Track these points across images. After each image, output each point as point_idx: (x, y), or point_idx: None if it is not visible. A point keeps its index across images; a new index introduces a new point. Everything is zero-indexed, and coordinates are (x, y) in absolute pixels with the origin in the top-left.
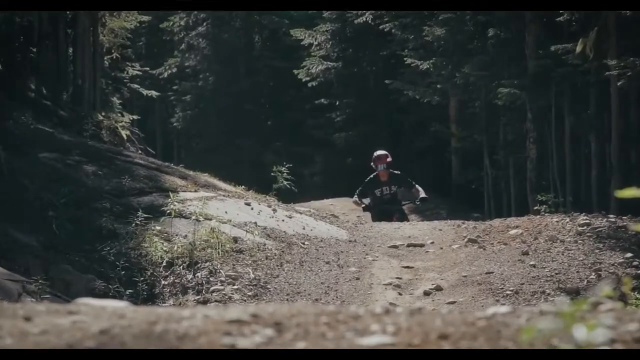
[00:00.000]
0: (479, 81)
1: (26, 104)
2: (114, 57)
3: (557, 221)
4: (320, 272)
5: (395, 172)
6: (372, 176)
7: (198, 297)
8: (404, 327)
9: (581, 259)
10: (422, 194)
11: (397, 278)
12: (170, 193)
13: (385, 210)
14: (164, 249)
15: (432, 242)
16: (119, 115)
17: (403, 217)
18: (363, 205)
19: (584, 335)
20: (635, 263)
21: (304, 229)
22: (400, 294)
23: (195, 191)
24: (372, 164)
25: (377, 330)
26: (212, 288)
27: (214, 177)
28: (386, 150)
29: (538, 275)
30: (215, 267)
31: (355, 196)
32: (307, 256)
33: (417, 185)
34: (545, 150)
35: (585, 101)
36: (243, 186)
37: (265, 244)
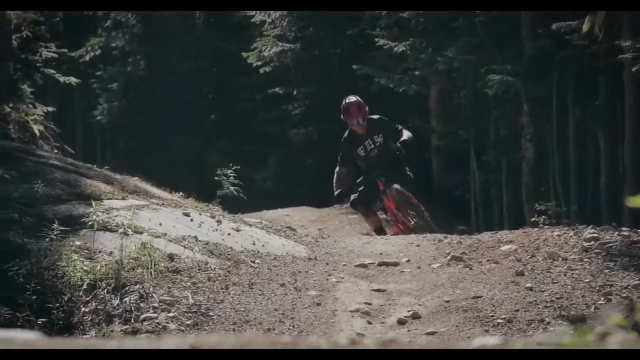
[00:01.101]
0: (465, 67)
1: None
2: (24, 35)
3: (558, 235)
4: (274, 297)
5: (373, 117)
6: (345, 135)
7: (126, 326)
8: None
9: (587, 280)
10: (404, 137)
11: (366, 303)
12: (92, 201)
13: (373, 180)
14: (85, 268)
15: (408, 260)
16: (31, 106)
17: (407, 182)
18: (340, 193)
19: None
20: None
21: (254, 244)
22: (369, 323)
23: (123, 199)
24: (342, 116)
25: None
26: (143, 316)
27: (145, 181)
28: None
29: (535, 300)
30: (147, 291)
31: (335, 182)
32: (257, 277)
33: (403, 130)
34: (544, 150)
35: (593, 91)
36: (181, 193)
37: (207, 263)
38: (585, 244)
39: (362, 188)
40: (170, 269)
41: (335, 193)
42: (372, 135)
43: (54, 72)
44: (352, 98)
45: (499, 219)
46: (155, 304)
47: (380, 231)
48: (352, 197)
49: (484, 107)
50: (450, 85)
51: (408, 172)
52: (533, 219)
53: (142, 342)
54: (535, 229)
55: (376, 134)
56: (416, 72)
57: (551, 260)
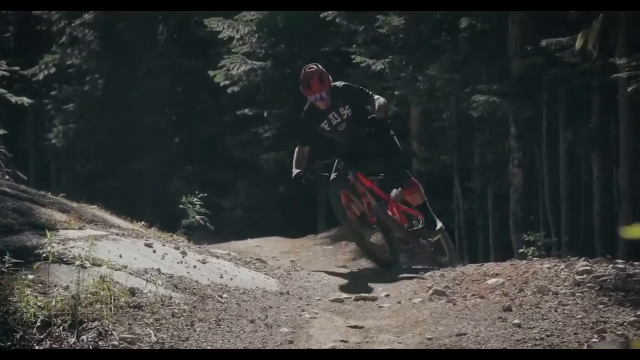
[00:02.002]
0: (448, 86)
1: None
2: None
3: (548, 268)
4: (243, 334)
5: (337, 84)
6: (306, 108)
7: None
8: None
9: (580, 316)
10: (377, 106)
11: (342, 341)
12: (47, 231)
13: (347, 160)
14: (39, 304)
15: (387, 295)
16: None
17: (394, 173)
18: (299, 174)
19: None
20: None
21: (221, 277)
22: None
23: (80, 229)
24: (301, 88)
25: None
26: None
27: (104, 210)
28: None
29: (524, 338)
30: (106, 328)
31: (294, 162)
32: (225, 313)
33: (375, 96)
34: (533, 176)
35: (585, 112)
36: (143, 222)
37: (171, 298)
38: (578, 277)
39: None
40: (131, 305)
41: (294, 173)
42: (337, 106)
43: (5, 91)
44: (312, 67)
45: (484, 250)
46: (115, 342)
47: (362, 218)
48: (332, 176)
49: (469, 130)
50: (433, 106)
51: (395, 157)
52: (521, 251)
53: None
54: (524, 261)
55: (342, 105)
56: (396, 92)
57: (541, 294)
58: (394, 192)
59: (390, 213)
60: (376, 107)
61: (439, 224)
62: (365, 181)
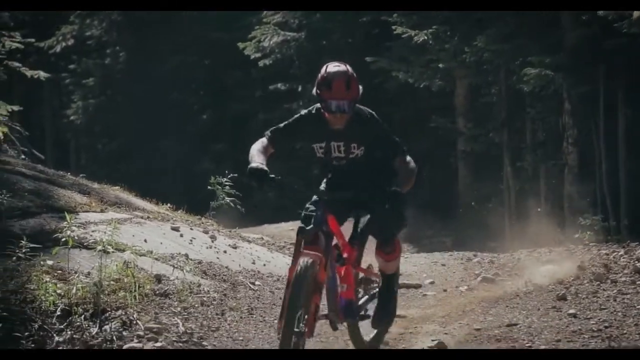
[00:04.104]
0: (497, 58)
1: None
2: None
3: (606, 254)
4: (276, 324)
5: (364, 111)
6: (307, 112)
7: None
8: None
9: None
10: (405, 176)
11: None
12: (66, 214)
13: (335, 199)
14: (58, 292)
15: (432, 282)
16: None
17: (388, 224)
18: (259, 169)
19: None
20: None
21: (253, 263)
22: None
23: (102, 211)
24: (315, 91)
25: None
26: (126, 346)
27: (127, 191)
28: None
29: (580, 329)
30: (131, 317)
31: (252, 153)
32: (258, 301)
33: (407, 157)
34: (590, 155)
35: None
36: (169, 204)
37: (200, 285)
38: (638, 264)
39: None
40: (157, 292)
41: (254, 166)
42: (350, 139)
43: (20, 65)
44: (338, 66)
45: (537, 234)
46: (140, 332)
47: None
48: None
49: (519, 106)
50: (480, 80)
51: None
52: (577, 235)
53: None
54: (580, 246)
55: (356, 140)
56: (440, 65)
57: (598, 283)
58: (359, 250)
59: (338, 280)
60: (403, 174)
61: (392, 318)
62: (333, 225)
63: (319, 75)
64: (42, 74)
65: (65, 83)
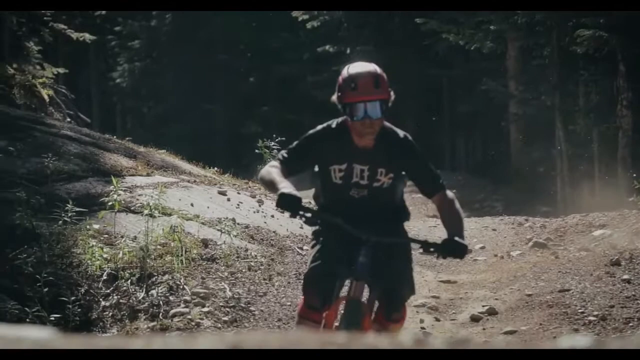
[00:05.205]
0: (549, 19)
1: None
2: None
3: None
4: None
5: (396, 131)
6: (326, 126)
7: (153, 323)
8: None
9: None
10: (454, 231)
11: (433, 297)
12: (112, 178)
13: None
14: (105, 256)
15: (483, 247)
16: (38, 68)
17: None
18: (295, 198)
19: None
20: None
21: (301, 227)
22: (437, 320)
23: (148, 175)
24: (335, 96)
25: None
26: (172, 311)
27: (173, 155)
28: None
29: (634, 295)
30: (178, 282)
31: (274, 172)
32: (306, 266)
33: (448, 192)
34: None
35: None
36: (215, 168)
37: (247, 249)
38: None
39: (321, 249)
40: (204, 257)
41: (283, 192)
42: (377, 161)
43: (65, 27)
44: (362, 65)
45: (590, 199)
46: (187, 297)
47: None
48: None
49: (572, 68)
50: (532, 41)
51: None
52: (631, 199)
53: (172, 342)
54: (634, 211)
55: (384, 164)
56: (491, 27)
57: None
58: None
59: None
60: (456, 218)
61: None
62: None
63: (339, 79)
64: (88, 36)
65: (111, 45)
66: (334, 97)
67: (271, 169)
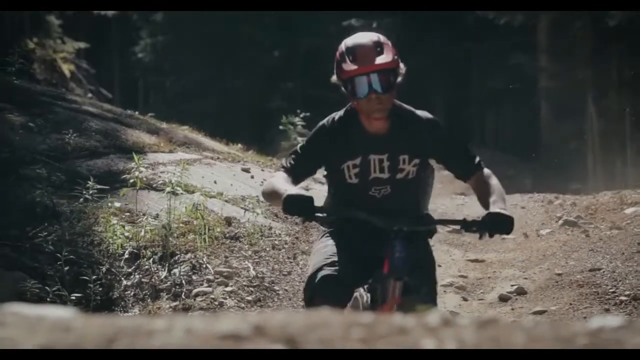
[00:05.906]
0: None
1: None
2: None
3: None
4: None
5: (414, 111)
6: (330, 119)
7: (175, 302)
8: (470, 345)
9: None
10: (496, 205)
11: (460, 276)
12: (134, 154)
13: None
14: (126, 234)
15: None
16: (59, 42)
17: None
18: (306, 198)
19: None
20: None
21: None
22: (465, 299)
23: (171, 152)
24: (335, 76)
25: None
26: (195, 290)
27: (196, 131)
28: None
29: None
30: (200, 261)
31: (281, 177)
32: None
33: (484, 171)
34: None
35: None
36: (239, 145)
37: (271, 228)
38: None
39: (334, 255)
40: (227, 235)
41: (291, 193)
42: (396, 147)
43: None
44: (366, 35)
45: (622, 175)
46: (210, 277)
47: None
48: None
49: (605, 41)
50: (563, 14)
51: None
52: None
53: (195, 322)
54: None
55: (406, 149)
56: None
57: None
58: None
59: None
60: (498, 193)
61: None
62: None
63: (337, 54)
64: (110, 11)
65: (133, 20)
66: (333, 78)
67: (273, 180)
